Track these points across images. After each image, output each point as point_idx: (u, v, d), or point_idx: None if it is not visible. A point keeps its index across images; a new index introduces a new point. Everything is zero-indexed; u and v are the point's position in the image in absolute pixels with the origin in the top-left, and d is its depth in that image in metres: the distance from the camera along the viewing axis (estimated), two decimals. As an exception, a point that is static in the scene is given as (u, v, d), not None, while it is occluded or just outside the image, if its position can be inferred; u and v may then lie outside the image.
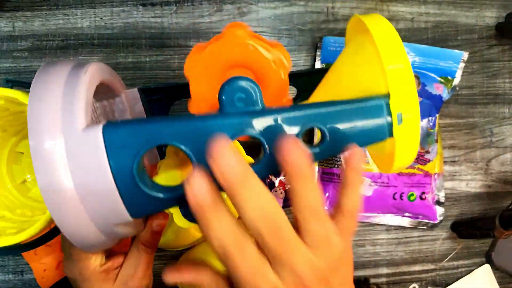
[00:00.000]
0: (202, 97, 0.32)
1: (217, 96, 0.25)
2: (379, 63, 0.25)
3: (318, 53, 0.51)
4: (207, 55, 0.31)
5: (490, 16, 0.53)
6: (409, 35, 0.52)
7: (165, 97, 0.37)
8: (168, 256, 0.50)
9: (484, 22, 0.53)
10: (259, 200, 0.21)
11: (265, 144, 0.24)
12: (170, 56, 0.50)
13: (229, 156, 0.21)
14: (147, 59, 0.51)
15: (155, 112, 0.37)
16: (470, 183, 0.53)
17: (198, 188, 0.21)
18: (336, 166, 0.49)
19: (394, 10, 0.52)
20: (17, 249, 0.35)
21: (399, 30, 0.52)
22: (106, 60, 0.50)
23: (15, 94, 0.36)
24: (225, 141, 0.21)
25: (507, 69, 0.53)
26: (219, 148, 0.21)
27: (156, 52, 0.50)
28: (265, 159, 0.24)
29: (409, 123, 0.25)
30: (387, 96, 0.25)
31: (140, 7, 0.51)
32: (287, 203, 0.48)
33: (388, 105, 0.25)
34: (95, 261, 0.32)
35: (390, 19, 0.52)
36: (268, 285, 0.22)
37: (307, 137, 0.51)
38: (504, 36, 0.53)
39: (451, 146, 0.53)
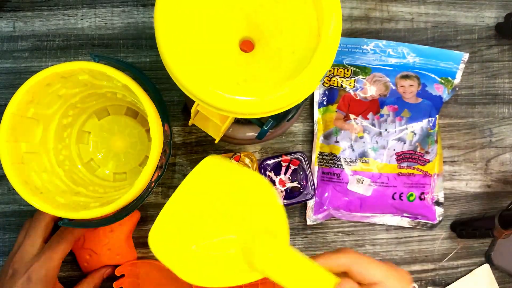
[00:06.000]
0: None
1: None
2: None
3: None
4: None
5: (490, 16, 0.53)
6: (408, 35, 0.53)
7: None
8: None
9: (483, 22, 0.53)
10: None
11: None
12: (170, 56, 0.50)
13: None
14: (148, 60, 0.51)
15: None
16: (470, 183, 0.53)
17: None
18: (336, 166, 0.49)
19: (394, 10, 0.53)
20: (102, 223, 0.41)
21: (399, 30, 0.52)
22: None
23: (103, 68, 0.37)
24: None
25: (506, 69, 0.54)
26: None
27: (156, 52, 0.50)
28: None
29: None
30: None
31: (141, 7, 0.51)
32: (287, 199, 0.48)
33: None
34: None
35: (390, 19, 0.53)
36: None
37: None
38: (503, 36, 0.53)
39: (451, 146, 0.53)
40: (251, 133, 0.47)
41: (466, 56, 0.50)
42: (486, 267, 0.52)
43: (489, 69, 0.53)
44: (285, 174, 0.48)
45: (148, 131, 0.48)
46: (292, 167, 0.49)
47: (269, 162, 0.48)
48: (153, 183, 0.41)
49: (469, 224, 0.50)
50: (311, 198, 0.49)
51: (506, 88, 0.54)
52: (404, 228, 0.52)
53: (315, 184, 0.50)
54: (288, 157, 0.48)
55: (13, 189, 0.49)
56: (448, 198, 0.52)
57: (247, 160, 0.48)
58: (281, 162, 0.48)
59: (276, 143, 0.51)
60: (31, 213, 0.49)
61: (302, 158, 0.48)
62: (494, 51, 0.53)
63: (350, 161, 0.49)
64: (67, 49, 0.50)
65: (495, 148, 0.53)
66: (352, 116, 0.49)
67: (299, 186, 0.48)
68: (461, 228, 0.51)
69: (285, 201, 0.48)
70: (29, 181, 0.39)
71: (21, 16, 0.50)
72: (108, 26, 0.51)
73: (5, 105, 0.37)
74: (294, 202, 0.48)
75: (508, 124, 0.53)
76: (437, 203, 0.51)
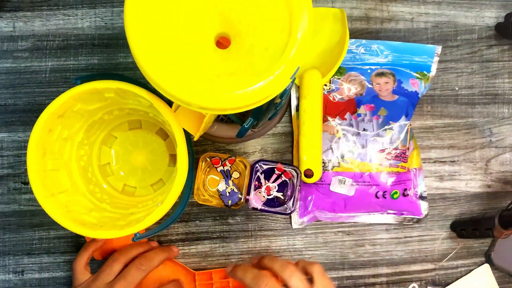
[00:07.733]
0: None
1: None
2: None
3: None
4: None
5: (490, 16, 0.53)
6: (408, 35, 0.53)
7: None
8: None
9: (483, 22, 0.53)
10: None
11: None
12: (170, 56, 0.50)
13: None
14: (147, 59, 0.51)
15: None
16: (470, 183, 0.53)
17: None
18: None
19: (394, 10, 0.53)
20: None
21: (399, 30, 0.52)
22: (107, 60, 0.50)
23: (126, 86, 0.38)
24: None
25: (506, 69, 0.54)
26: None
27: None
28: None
29: None
30: None
31: (140, 7, 0.51)
32: (266, 206, 0.48)
33: None
34: None
35: (390, 19, 0.53)
36: None
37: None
38: (503, 36, 0.53)
39: (451, 146, 0.53)
40: (235, 132, 0.46)
41: (439, 49, 0.50)
42: (486, 267, 0.52)
43: (489, 69, 0.53)
44: (274, 181, 0.48)
45: (172, 155, 0.48)
46: (283, 178, 0.48)
47: (264, 165, 0.48)
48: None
49: (469, 224, 0.50)
50: (288, 214, 0.48)
51: (506, 88, 0.54)
52: (404, 227, 0.52)
53: (298, 203, 0.49)
54: (283, 167, 0.48)
55: (13, 189, 0.49)
56: (448, 198, 0.52)
57: (241, 165, 0.48)
58: (275, 169, 0.48)
59: (276, 143, 0.51)
60: (31, 213, 0.49)
61: (296, 174, 0.48)
62: (494, 51, 0.53)
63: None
64: (67, 49, 0.50)
65: (495, 148, 0.53)
66: (329, 118, 0.49)
67: (282, 198, 0.48)
68: (461, 228, 0.51)
69: (264, 207, 0.48)
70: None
71: (21, 16, 0.50)
72: (108, 26, 0.51)
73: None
74: (272, 211, 0.48)
75: (508, 124, 0.53)
76: (421, 197, 0.51)
